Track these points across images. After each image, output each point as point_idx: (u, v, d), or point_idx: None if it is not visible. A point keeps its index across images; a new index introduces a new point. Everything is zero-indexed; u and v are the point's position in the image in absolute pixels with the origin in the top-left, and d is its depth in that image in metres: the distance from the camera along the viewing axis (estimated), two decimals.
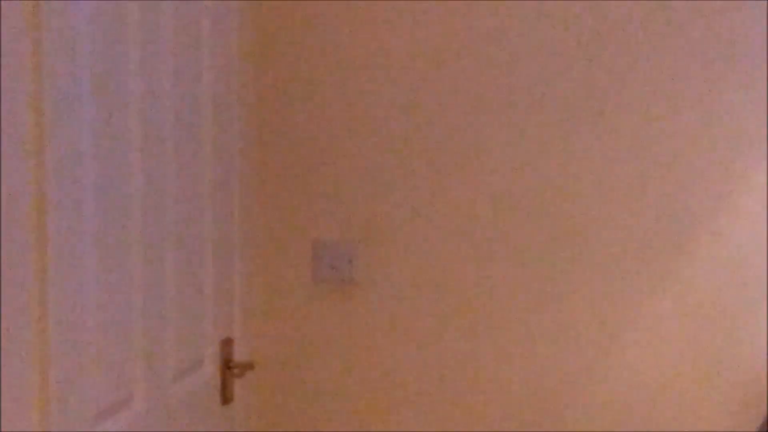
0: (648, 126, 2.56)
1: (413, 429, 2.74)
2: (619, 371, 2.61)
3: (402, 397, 2.74)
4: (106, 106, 1.93)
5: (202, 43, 2.34)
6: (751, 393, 2.53)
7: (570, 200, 2.62)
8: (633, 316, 2.59)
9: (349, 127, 2.73)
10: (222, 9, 2.44)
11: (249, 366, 2.54)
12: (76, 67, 1.81)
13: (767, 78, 2.49)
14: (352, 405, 2.77)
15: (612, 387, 2.61)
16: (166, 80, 2.17)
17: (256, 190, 2.73)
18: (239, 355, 2.56)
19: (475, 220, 2.68)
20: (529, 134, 2.63)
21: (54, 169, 1.76)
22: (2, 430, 1.66)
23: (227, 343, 2.48)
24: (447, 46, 2.65)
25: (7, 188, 1.65)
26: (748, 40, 2.50)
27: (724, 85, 2.52)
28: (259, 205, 2.74)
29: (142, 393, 2.10)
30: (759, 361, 2.52)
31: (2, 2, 1.60)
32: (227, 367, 2.48)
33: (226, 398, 2.48)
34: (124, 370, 2.04)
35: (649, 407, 2.59)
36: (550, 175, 2.63)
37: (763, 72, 2.49)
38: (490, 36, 2.63)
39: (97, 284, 1.92)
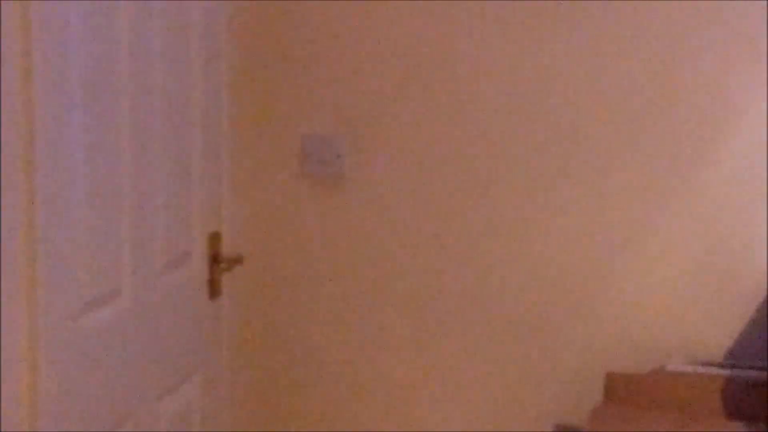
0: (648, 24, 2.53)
1: (402, 321, 2.75)
2: (621, 281, 2.61)
3: (390, 290, 2.75)
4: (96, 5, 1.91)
5: None
6: (749, 292, 2.54)
7: (570, 100, 2.59)
8: (638, 228, 2.59)
9: (340, 21, 2.69)
10: None
11: (237, 260, 2.54)
12: None
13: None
14: (339, 298, 2.78)
15: (614, 296, 2.62)
16: None
17: (246, 84, 2.70)
18: (227, 249, 2.56)
19: (468, 114, 2.66)
20: (528, 29, 2.60)
21: (42, 58, 1.74)
22: None
23: (215, 237, 2.48)
24: None
25: None
26: None
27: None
28: (248, 98, 2.72)
29: (129, 286, 2.11)
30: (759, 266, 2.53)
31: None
32: (215, 261, 2.48)
33: (213, 292, 2.48)
34: (112, 264, 2.04)
35: (651, 320, 2.60)
36: (548, 74, 2.59)
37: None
38: None
39: (85, 178, 1.91)
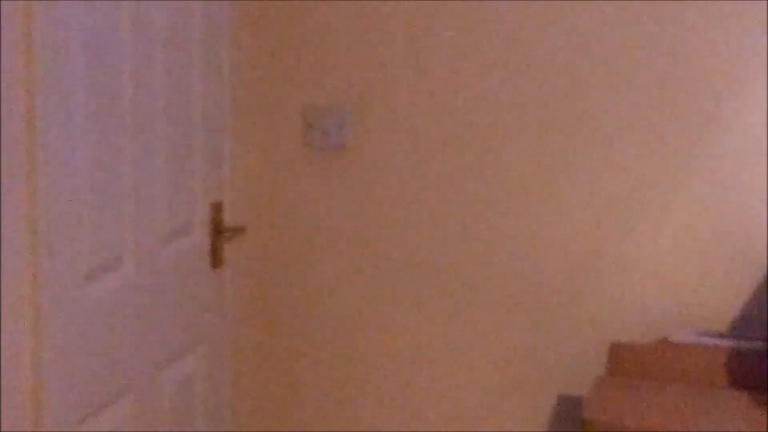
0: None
1: (404, 292, 2.75)
2: (627, 253, 2.60)
3: (392, 261, 2.74)
4: None
5: None
6: (754, 263, 2.54)
7: (580, 76, 2.58)
8: (644, 201, 2.57)
9: None
10: None
11: (240, 230, 2.53)
12: None
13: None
14: (341, 268, 2.78)
15: (619, 268, 2.61)
16: None
17: (248, 54, 2.69)
18: (230, 219, 2.56)
19: (471, 85, 2.65)
20: (537, 10, 2.59)
21: (43, 36, 1.73)
22: None
23: (217, 207, 2.47)
24: None
25: None
26: None
27: None
28: (250, 69, 2.71)
29: (131, 256, 2.10)
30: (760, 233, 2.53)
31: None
32: (217, 230, 2.47)
33: (216, 262, 2.48)
34: (114, 233, 2.03)
35: (655, 291, 2.59)
36: (556, 44, 2.58)
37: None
38: None
39: (87, 147, 1.91)
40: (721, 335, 2.51)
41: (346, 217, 2.76)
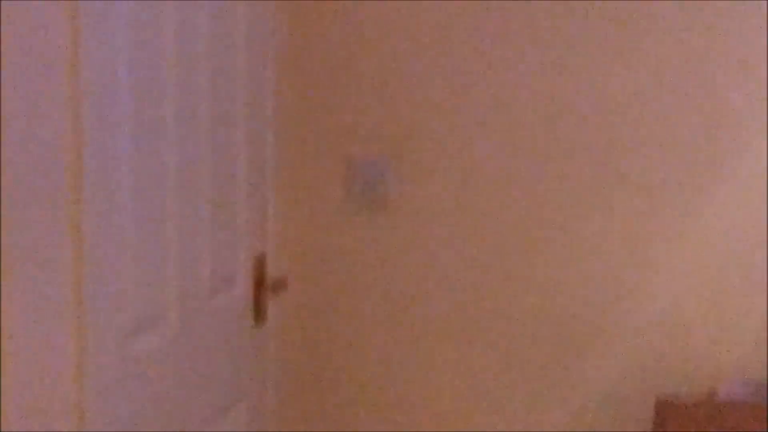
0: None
1: (447, 345, 2.72)
2: (672, 302, 2.58)
3: (435, 315, 2.72)
4: (141, 23, 1.90)
5: None
6: None
7: (612, 117, 2.58)
8: (689, 247, 2.56)
9: (383, 44, 2.68)
10: None
11: (283, 283, 2.52)
12: None
13: None
14: (385, 323, 2.76)
15: (663, 317, 2.59)
16: None
17: (290, 106, 2.69)
18: (272, 272, 2.55)
19: (512, 138, 2.64)
20: (569, 62, 2.59)
21: (88, 87, 1.74)
22: (37, 345, 1.66)
23: (261, 260, 2.46)
24: None
25: (42, 108, 1.62)
26: None
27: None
28: (292, 121, 2.71)
29: (174, 311, 2.09)
30: None
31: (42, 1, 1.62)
32: (260, 284, 2.46)
33: (258, 316, 2.46)
34: (158, 288, 2.03)
35: (702, 340, 2.57)
36: (587, 100, 2.59)
37: None
38: None
39: (131, 200, 1.91)
40: None
41: (389, 270, 2.74)
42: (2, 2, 1.51)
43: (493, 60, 2.63)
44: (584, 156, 2.61)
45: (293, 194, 2.74)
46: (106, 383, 1.84)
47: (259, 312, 2.46)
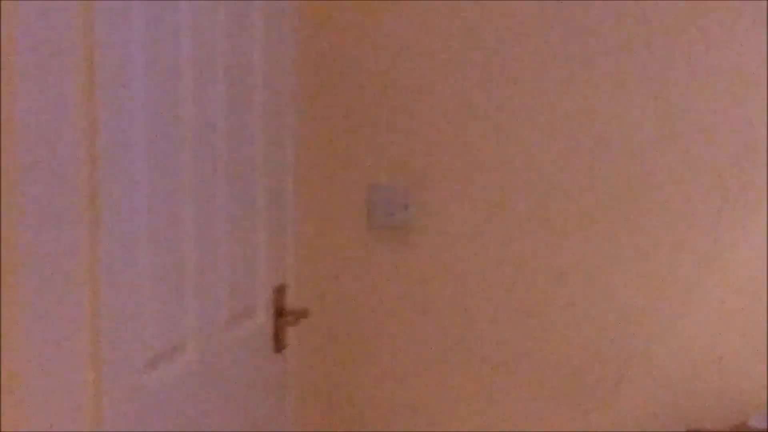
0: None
1: (471, 375, 2.70)
2: (702, 334, 2.56)
3: (459, 344, 2.70)
4: (158, 39, 1.89)
5: None
6: None
7: (641, 151, 2.57)
8: (717, 277, 2.55)
9: (407, 71, 2.67)
10: None
11: (303, 313, 2.50)
12: None
13: None
14: (407, 351, 2.73)
15: (692, 350, 2.57)
16: (221, 12, 2.12)
17: (311, 134, 2.68)
18: (292, 302, 2.52)
19: (536, 166, 2.63)
20: (590, 85, 2.57)
21: (104, 107, 1.72)
22: (55, 378, 1.64)
23: (280, 290, 2.44)
24: None
25: (60, 134, 1.61)
26: None
27: None
28: (313, 149, 2.70)
29: (194, 340, 2.07)
30: None
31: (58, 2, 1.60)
32: (280, 314, 2.44)
33: (278, 346, 2.44)
34: (176, 319, 2.01)
35: (731, 372, 2.54)
36: (617, 135, 2.59)
37: None
38: None
39: (149, 231, 1.89)
40: None
41: (411, 298, 2.72)
42: (19, 2, 1.50)
43: (517, 89, 2.62)
44: (614, 186, 2.59)
45: (314, 222, 2.72)
46: (124, 415, 1.82)
47: (278, 341, 2.43)
